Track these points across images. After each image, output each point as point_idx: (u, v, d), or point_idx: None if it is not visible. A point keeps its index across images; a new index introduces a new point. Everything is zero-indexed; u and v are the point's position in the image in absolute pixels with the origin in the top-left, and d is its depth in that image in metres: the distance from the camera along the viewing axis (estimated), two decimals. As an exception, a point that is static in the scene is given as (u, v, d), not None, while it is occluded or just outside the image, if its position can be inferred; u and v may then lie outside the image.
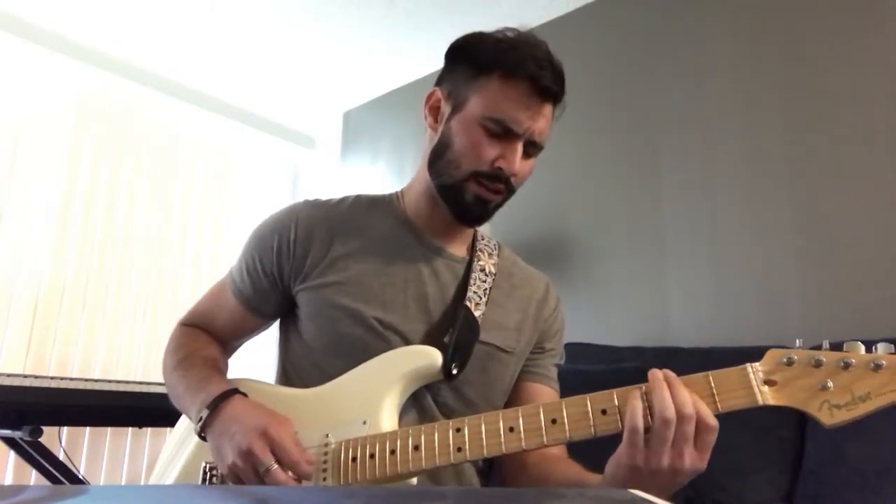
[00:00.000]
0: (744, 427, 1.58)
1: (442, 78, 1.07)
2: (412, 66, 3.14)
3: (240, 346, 1.21)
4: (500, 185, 1.01)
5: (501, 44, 1.00)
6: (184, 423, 1.11)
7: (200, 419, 0.94)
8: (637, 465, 0.77)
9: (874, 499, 1.41)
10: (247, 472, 0.85)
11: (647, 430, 0.77)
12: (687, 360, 1.87)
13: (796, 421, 1.60)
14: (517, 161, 0.99)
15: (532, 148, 1.02)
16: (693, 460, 0.76)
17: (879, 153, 1.87)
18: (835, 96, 1.98)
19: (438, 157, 1.04)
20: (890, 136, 1.86)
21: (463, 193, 1.02)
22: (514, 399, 1.11)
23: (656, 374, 0.80)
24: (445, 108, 1.05)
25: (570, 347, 2.12)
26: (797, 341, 0.79)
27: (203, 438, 0.95)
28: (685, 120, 2.30)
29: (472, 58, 1.02)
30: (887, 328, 1.65)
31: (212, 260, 3.28)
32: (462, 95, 1.02)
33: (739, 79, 2.19)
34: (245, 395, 0.98)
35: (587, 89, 2.57)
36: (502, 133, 0.98)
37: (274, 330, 1.18)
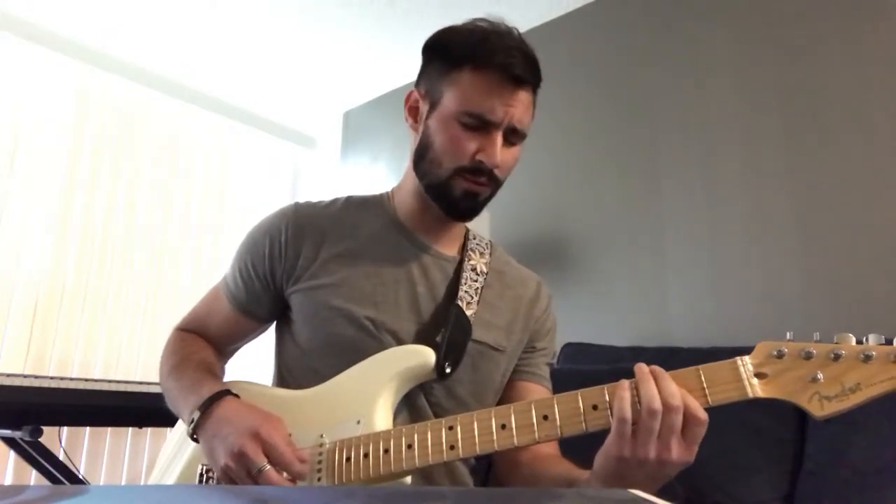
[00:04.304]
0: (744, 427, 1.57)
1: (419, 77, 1.08)
2: (412, 66, 3.10)
3: (236, 350, 1.21)
4: (484, 177, 1.00)
5: (470, 37, 1.00)
6: (182, 424, 1.11)
7: (192, 421, 0.94)
8: (624, 455, 0.77)
9: (874, 499, 1.40)
10: (239, 473, 0.85)
11: (636, 422, 0.78)
12: (687, 360, 1.85)
13: (796, 421, 1.59)
14: (497, 153, 0.98)
15: (514, 136, 1.01)
16: (680, 452, 0.77)
17: (879, 153, 1.87)
18: (834, 96, 1.97)
19: (421, 158, 1.04)
20: (890, 136, 1.85)
21: (451, 190, 1.02)
22: (506, 398, 1.11)
23: (643, 368, 0.80)
24: (423, 108, 1.05)
25: (569, 347, 2.13)
26: (787, 334, 0.79)
27: (195, 440, 0.95)
28: (685, 120, 2.29)
29: (442, 54, 1.02)
30: (888, 328, 1.63)
31: (212, 260, 3.28)
32: (437, 93, 1.02)
33: (739, 79, 2.18)
34: (237, 396, 0.97)
35: (587, 89, 2.56)
36: (479, 126, 0.98)
37: (270, 333, 1.18)
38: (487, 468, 1.17)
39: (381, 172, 3.35)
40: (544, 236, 2.55)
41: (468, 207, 1.04)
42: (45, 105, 2.85)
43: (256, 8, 2.75)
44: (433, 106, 1.02)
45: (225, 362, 1.17)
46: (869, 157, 1.88)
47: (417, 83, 1.07)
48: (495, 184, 1.03)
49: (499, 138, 0.99)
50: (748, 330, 2.00)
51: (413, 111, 1.07)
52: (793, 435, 1.60)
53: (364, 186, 3.34)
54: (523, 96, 0.99)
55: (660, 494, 0.77)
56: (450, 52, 1.01)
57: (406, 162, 1.11)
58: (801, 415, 1.65)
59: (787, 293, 1.96)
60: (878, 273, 1.81)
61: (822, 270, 1.91)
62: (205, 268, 3.24)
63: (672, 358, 1.91)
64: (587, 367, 1.99)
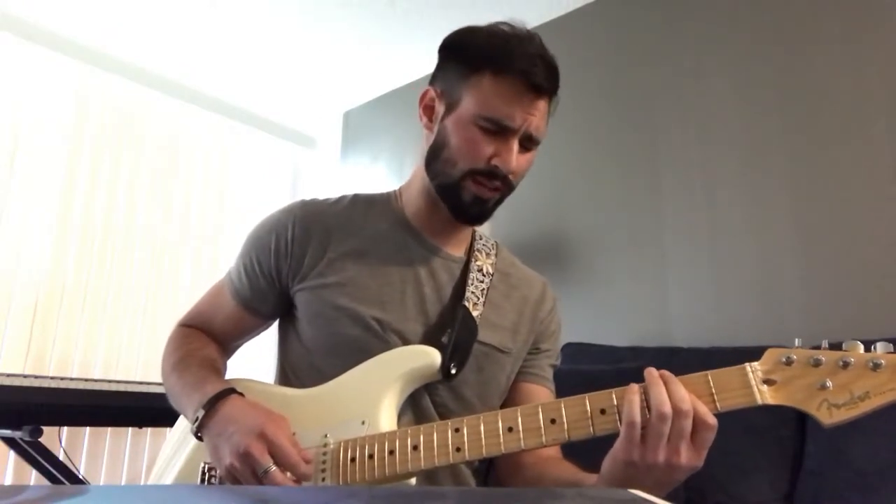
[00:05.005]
0: (744, 427, 1.58)
1: (435, 76, 1.07)
2: (412, 66, 3.14)
3: (239, 346, 1.21)
4: (498, 182, 1.00)
5: (492, 40, 1.00)
6: (182, 422, 1.11)
7: (196, 419, 0.93)
8: (633, 460, 0.77)
9: (874, 499, 1.40)
10: (245, 473, 0.85)
11: (644, 426, 0.78)
12: (687, 360, 1.87)
13: (796, 421, 1.60)
14: (513, 159, 0.98)
15: (529, 142, 1.01)
16: (689, 457, 0.77)
17: (879, 153, 1.87)
18: (834, 96, 1.98)
19: (435, 158, 1.04)
20: (890, 135, 1.86)
21: (460, 193, 1.01)
22: (510, 400, 1.11)
23: (652, 372, 0.80)
24: (439, 108, 1.04)
25: (570, 347, 2.13)
26: (796, 341, 0.79)
27: (199, 439, 0.95)
28: (685, 120, 2.29)
29: (463, 55, 1.02)
30: (887, 327, 1.64)
31: (212, 260, 3.28)
32: (455, 94, 1.01)
33: (739, 79, 2.19)
34: (241, 394, 0.97)
35: (587, 89, 2.57)
36: (497, 131, 0.98)
37: (273, 331, 1.18)
38: (488, 469, 1.17)
39: (381, 172, 3.35)
40: (545, 236, 2.55)
41: (477, 212, 1.04)
42: (45, 105, 2.84)
43: (256, 8, 2.75)
44: (450, 107, 1.02)
45: (227, 358, 1.17)
46: (869, 156, 1.89)
47: (433, 81, 1.07)
48: (508, 188, 1.02)
49: (515, 144, 0.99)
50: (748, 330, 2.00)
51: (428, 110, 1.07)
52: (793, 435, 1.60)
53: (364, 186, 3.34)
54: (541, 105, 1.00)
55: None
56: (470, 54, 1.01)
57: (408, 162, 1.11)
58: (801, 415, 1.66)
59: (787, 293, 1.97)
60: (877, 273, 1.82)
61: (821, 270, 1.92)
62: (205, 268, 3.24)
63: (672, 358, 1.92)
64: (588, 367, 1.99)
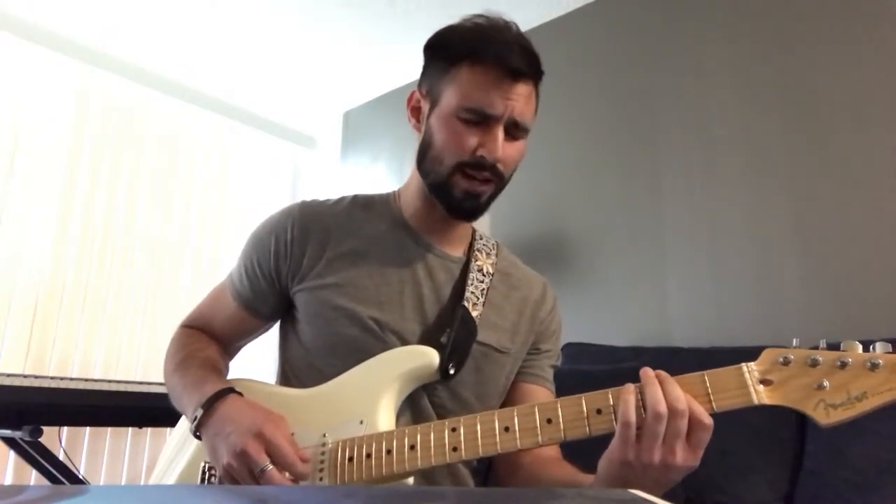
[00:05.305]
0: (743, 428, 1.58)
1: (421, 78, 1.08)
2: (412, 65, 3.13)
3: (241, 347, 1.21)
4: (486, 172, 0.99)
5: (468, 33, 1.00)
6: (184, 423, 1.12)
7: (195, 418, 0.94)
8: (629, 459, 0.77)
9: (874, 499, 1.40)
10: (242, 472, 0.85)
11: (640, 426, 0.77)
12: (687, 360, 1.86)
13: (796, 421, 1.59)
14: (499, 147, 0.98)
15: (516, 130, 1.00)
16: (685, 457, 0.77)
17: (879, 153, 1.87)
18: (834, 96, 1.97)
19: (424, 156, 1.04)
20: (890, 136, 1.86)
21: (451, 189, 1.01)
22: (509, 400, 1.11)
23: (648, 372, 0.80)
24: (425, 107, 1.05)
25: (570, 347, 2.13)
26: (794, 341, 0.78)
27: (198, 438, 0.95)
28: (685, 120, 2.29)
29: (441, 52, 1.03)
30: (887, 328, 1.64)
31: (212, 260, 3.28)
32: (437, 91, 1.02)
33: (739, 79, 2.18)
34: (240, 394, 0.97)
35: (587, 89, 2.56)
36: (480, 120, 0.98)
37: (275, 332, 1.18)
38: (487, 469, 1.17)
39: (381, 172, 3.35)
40: (544, 236, 2.55)
41: (471, 208, 1.03)
42: (45, 105, 2.84)
43: (256, 8, 2.75)
44: (434, 104, 1.02)
45: (229, 360, 1.18)
46: (869, 156, 1.88)
47: (419, 84, 1.08)
48: (499, 179, 1.02)
49: (500, 132, 0.98)
50: (748, 330, 2.00)
51: (415, 111, 1.08)
52: (792, 435, 1.60)
53: (364, 186, 3.34)
54: (523, 89, 0.99)
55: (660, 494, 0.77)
56: (448, 49, 1.02)
57: (408, 162, 1.11)
58: (801, 415, 1.65)
59: (786, 293, 1.96)
60: (877, 273, 1.81)
61: (821, 270, 1.91)
62: (205, 268, 3.24)
63: (673, 358, 1.92)
64: (588, 366, 1.99)
